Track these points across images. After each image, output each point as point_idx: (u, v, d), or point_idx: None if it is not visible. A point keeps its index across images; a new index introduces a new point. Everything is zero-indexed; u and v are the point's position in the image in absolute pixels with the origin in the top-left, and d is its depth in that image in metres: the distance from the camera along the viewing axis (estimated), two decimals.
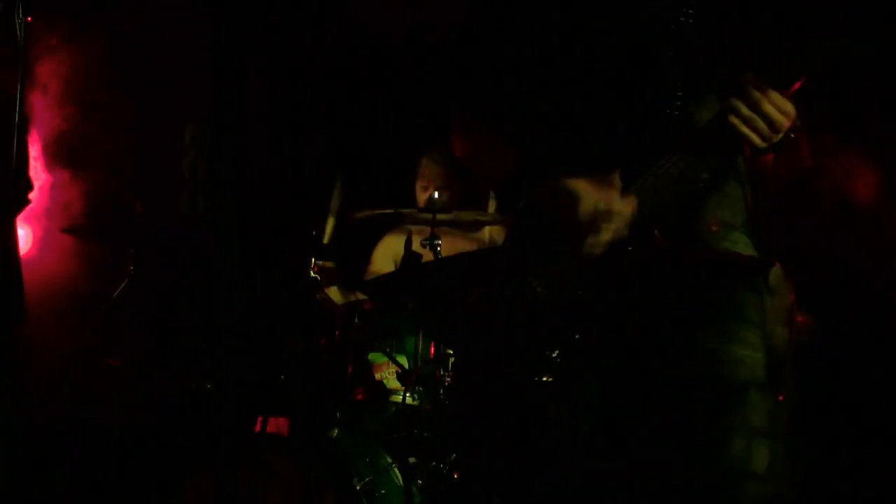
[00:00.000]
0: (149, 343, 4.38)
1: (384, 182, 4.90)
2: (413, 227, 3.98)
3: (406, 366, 3.84)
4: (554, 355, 2.21)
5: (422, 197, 4.54)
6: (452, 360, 3.66)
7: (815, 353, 4.15)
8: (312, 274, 3.77)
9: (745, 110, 2.06)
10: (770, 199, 4.14)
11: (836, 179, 4.48)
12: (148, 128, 4.97)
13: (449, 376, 3.63)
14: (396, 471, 3.70)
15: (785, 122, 2.08)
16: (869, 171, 4.49)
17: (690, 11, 2.17)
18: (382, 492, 3.61)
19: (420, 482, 3.63)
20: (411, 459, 3.69)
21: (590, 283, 2.17)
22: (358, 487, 3.51)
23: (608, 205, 2.09)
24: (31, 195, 3.86)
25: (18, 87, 3.03)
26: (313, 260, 3.78)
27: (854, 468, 4.52)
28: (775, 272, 3.85)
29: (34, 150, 4.68)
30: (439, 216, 3.78)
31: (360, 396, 3.81)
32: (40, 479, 4.51)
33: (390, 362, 3.88)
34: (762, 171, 4.14)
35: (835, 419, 4.48)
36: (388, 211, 3.88)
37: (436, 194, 3.84)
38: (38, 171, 4.76)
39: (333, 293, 3.97)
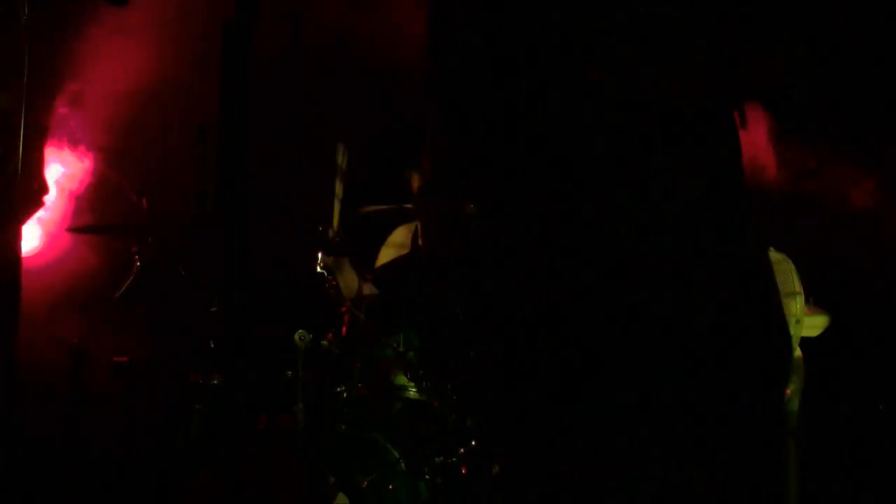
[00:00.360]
0: (154, 340, 4.37)
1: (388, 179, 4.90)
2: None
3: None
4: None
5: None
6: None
7: (816, 351, 4.18)
8: (319, 269, 3.78)
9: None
10: (768, 199, 4.17)
11: (836, 179, 4.50)
12: (153, 125, 4.97)
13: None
14: (403, 466, 3.70)
15: None
16: (869, 172, 4.52)
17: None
18: (389, 488, 3.60)
19: (427, 478, 3.63)
20: (417, 455, 3.69)
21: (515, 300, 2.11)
22: (364, 484, 3.51)
23: None
24: (46, 197, 3.85)
25: (23, 89, 3.01)
26: (320, 255, 3.79)
27: (854, 468, 4.53)
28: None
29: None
30: None
31: (365, 391, 3.81)
32: (40, 479, 4.49)
33: (396, 357, 3.87)
34: (762, 171, 4.17)
35: (835, 419, 4.50)
36: (393, 206, 3.89)
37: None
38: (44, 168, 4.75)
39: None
